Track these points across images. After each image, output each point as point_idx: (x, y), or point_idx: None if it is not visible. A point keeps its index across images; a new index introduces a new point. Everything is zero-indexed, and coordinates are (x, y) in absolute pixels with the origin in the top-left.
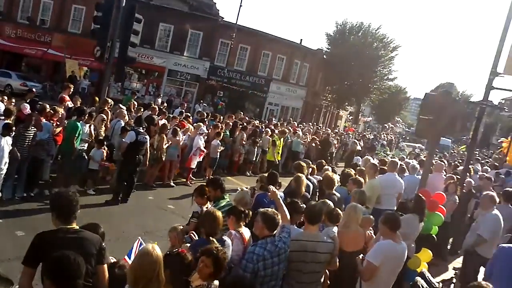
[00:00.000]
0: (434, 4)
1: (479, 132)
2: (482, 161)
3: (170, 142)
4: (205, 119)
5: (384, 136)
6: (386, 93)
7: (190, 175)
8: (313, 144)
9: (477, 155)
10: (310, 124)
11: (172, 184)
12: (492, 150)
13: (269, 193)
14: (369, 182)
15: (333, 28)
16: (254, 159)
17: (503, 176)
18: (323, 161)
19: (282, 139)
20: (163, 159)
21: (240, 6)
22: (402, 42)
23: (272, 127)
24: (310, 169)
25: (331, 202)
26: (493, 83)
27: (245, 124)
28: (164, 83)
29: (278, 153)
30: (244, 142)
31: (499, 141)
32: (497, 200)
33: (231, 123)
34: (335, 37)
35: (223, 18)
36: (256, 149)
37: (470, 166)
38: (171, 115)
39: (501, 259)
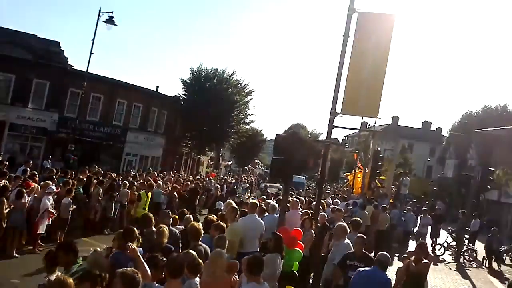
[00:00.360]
0: (287, 50)
1: (327, 168)
2: (333, 195)
3: (13, 206)
4: (54, 176)
5: (245, 179)
6: (244, 136)
7: (39, 241)
8: (175, 193)
9: (328, 189)
10: (171, 172)
11: (15, 254)
12: (340, 183)
13: (127, 251)
14: (230, 226)
15: (189, 74)
16: (112, 215)
17: (351, 207)
18: (185, 210)
19: (149, 193)
20: (4, 226)
21: (91, 53)
22: (257, 85)
23: (131, 179)
24: (171, 219)
25: (196, 253)
26: (334, 122)
27: (100, 178)
28: (5, 139)
29: (144, 208)
30: (100, 198)
31: (344, 175)
32: (348, 230)
33: (84, 178)
34: (191, 83)
35: (73, 66)
36: (113, 204)
37: (322, 201)
38: (14, 175)
39: (357, 283)
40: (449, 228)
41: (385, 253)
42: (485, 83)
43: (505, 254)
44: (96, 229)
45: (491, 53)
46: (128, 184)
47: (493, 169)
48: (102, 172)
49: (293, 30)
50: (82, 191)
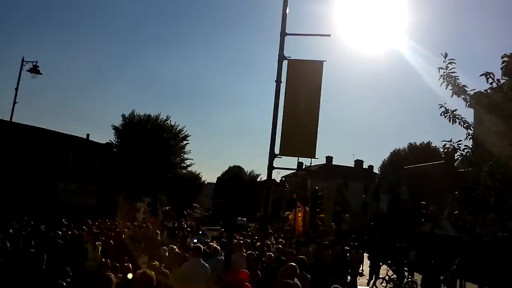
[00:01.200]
0: (219, 95)
1: (269, 208)
2: (275, 235)
3: None
4: None
5: (184, 223)
6: (181, 181)
7: None
8: (111, 241)
9: (270, 230)
10: (107, 220)
11: None
12: (282, 223)
13: None
14: (174, 271)
15: (120, 121)
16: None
17: (295, 245)
18: (126, 257)
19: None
20: None
21: (15, 102)
22: (193, 129)
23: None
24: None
25: None
26: (274, 164)
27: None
28: None
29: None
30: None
31: (286, 214)
32: (298, 270)
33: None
34: (124, 130)
35: None
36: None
37: (266, 241)
38: None
39: None
40: (389, 261)
41: None
42: (409, 122)
43: (442, 284)
44: None
45: (413, 93)
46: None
47: (424, 203)
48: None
49: (226, 77)
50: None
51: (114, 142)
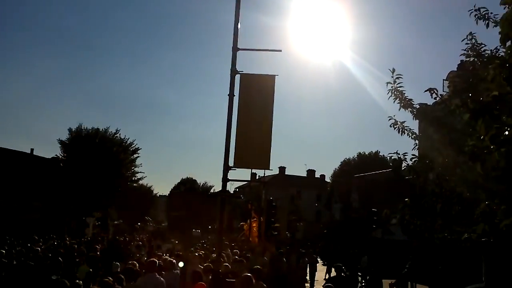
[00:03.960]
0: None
1: (224, 220)
2: (232, 245)
3: None
4: None
5: (137, 237)
6: (133, 194)
7: None
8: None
9: (225, 241)
10: (53, 237)
11: None
12: (236, 234)
13: None
14: (128, 286)
15: (67, 135)
16: None
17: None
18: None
19: None
20: None
21: None
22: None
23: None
24: None
25: None
26: (228, 176)
27: None
28: None
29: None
30: None
31: (240, 224)
32: (253, 280)
33: None
34: (71, 144)
35: None
36: None
37: (223, 253)
38: None
39: None
40: (343, 267)
41: None
42: (357, 132)
43: (394, 287)
44: None
45: (359, 104)
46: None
47: (375, 210)
48: None
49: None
50: None
51: (60, 157)
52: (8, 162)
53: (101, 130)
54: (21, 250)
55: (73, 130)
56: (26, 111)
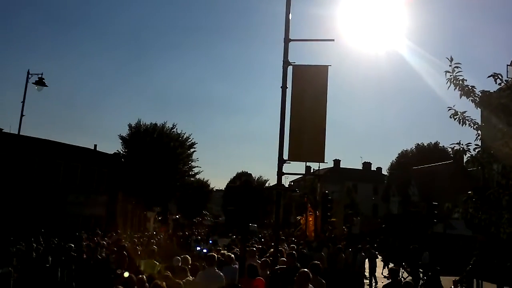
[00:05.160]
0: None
1: (280, 214)
2: (291, 239)
3: None
4: None
5: (195, 231)
6: (190, 189)
7: None
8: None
9: (282, 235)
10: (118, 231)
11: None
12: (293, 228)
13: None
14: (187, 281)
15: (127, 131)
16: None
17: (306, 251)
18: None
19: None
20: None
21: (22, 115)
22: (199, 136)
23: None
24: None
25: None
26: (283, 169)
27: None
28: None
29: None
30: None
31: (298, 218)
32: (311, 276)
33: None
34: (131, 139)
35: (2, 129)
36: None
37: (280, 247)
38: None
39: None
40: (403, 263)
41: None
42: (414, 122)
43: (459, 285)
44: None
45: (415, 94)
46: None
47: (436, 203)
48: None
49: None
50: None
51: (121, 152)
52: (73, 158)
53: (158, 125)
54: (89, 244)
55: (132, 126)
56: (88, 108)
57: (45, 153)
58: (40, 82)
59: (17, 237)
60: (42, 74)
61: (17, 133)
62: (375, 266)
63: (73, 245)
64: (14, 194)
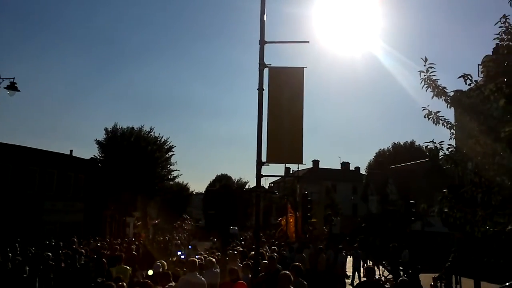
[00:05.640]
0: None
1: (260, 216)
2: (271, 241)
3: None
4: None
5: (176, 235)
6: (169, 193)
7: None
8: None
9: (263, 238)
10: (96, 238)
11: None
12: (274, 230)
13: None
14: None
15: (103, 135)
16: None
17: (286, 252)
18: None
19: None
20: None
21: None
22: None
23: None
24: None
25: None
26: (261, 171)
27: None
28: None
29: None
30: None
31: (279, 220)
32: (292, 278)
33: None
34: (107, 144)
35: None
36: None
37: (261, 250)
38: None
39: None
40: (383, 262)
41: None
42: (390, 122)
43: (439, 281)
44: None
45: (390, 94)
46: None
47: (414, 201)
48: None
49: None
50: None
51: (98, 157)
52: (49, 164)
53: (135, 129)
54: (67, 252)
55: (109, 130)
56: (63, 112)
57: (20, 159)
58: (12, 87)
59: None
60: (13, 78)
61: None
62: (360, 266)
63: (50, 254)
64: None
